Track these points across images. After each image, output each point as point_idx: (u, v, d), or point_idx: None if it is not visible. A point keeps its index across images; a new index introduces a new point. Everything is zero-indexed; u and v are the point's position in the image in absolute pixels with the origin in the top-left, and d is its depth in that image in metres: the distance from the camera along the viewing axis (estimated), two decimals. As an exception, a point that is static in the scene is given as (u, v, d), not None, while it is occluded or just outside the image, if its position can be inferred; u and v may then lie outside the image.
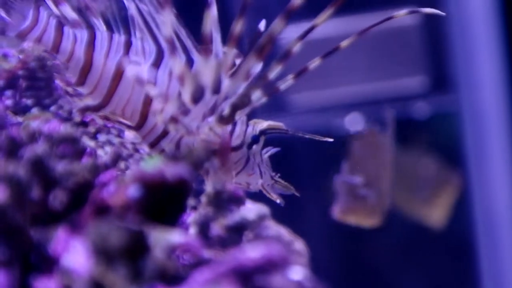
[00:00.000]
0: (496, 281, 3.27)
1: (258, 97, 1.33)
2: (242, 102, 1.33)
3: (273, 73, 1.31)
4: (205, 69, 1.30)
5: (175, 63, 1.30)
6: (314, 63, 1.31)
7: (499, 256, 3.26)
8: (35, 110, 1.47)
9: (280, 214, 1.40)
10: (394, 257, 3.48)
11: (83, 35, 1.39)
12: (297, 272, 0.87)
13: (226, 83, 1.32)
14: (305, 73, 1.32)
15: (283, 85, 1.33)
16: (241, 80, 1.32)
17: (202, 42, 1.29)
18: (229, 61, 1.30)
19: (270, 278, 0.86)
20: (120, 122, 1.38)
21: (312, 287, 0.87)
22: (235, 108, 1.34)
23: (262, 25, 1.38)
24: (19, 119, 1.42)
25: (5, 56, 1.50)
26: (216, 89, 1.32)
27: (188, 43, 1.36)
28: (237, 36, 1.28)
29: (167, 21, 1.27)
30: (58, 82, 1.41)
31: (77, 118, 1.40)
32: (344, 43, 1.31)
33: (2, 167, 0.93)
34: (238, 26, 1.27)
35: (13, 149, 0.99)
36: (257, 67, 1.31)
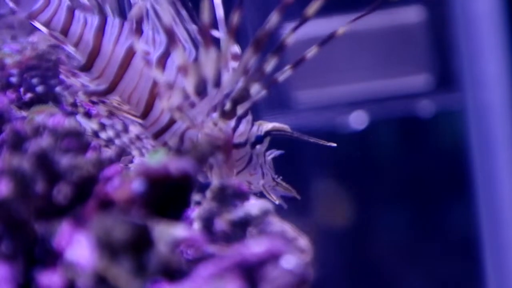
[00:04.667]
0: (501, 278, 3.27)
1: (257, 90, 1.33)
2: (241, 96, 1.34)
3: (269, 66, 1.32)
4: (206, 61, 1.31)
5: (178, 54, 1.31)
6: (311, 52, 1.32)
7: (504, 254, 3.26)
8: (39, 88, 1.47)
9: (284, 209, 1.40)
10: (399, 255, 3.48)
11: (93, 19, 1.40)
12: (289, 261, 0.87)
13: (226, 76, 1.33)
14: (302, 62, 1.32)
15: (281, 76, 1.33)
16: (240, 75, 1.32)
17: (201, 33, 1.30)
18: (228, 54, 1.31)
19: (264, 269, 0.86)
20: (126, 116, 1.38)
21: (303, 273, 0.87)
22: (235, 102, 1.34)
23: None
24: (24, 113, 1.42)
25: (12, 50, 1.51)
26: (217, 82, 1.33)
27: (195, 36, 1.37)
28: (235, 29, 1.29)
29: (165, 12, 1.28)
30: (63, 76, 1.41)
31: (81, 109, 1.41)
32: (340, 30, 1.31)
33: (6, 161, 0.93)
34: (235, 19, 1.28)
35: (18, 142, 1.00)
36: (253, 61, 1.31)
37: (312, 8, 1.27)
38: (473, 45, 3.17)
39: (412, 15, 3.31)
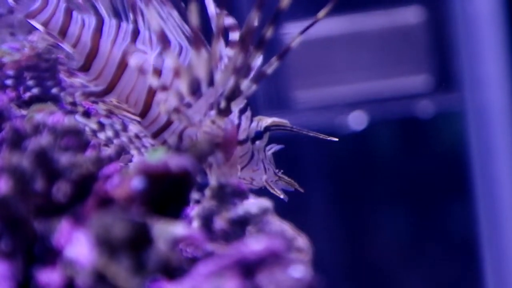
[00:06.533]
0: (500, 278, 3.27)
1: (247, 85, 1.34)
2: (233, 93, 1.34)
3: (253, 61, 1.32)
4: (198, 63, 1.31)
5: (170, 57, 1.31)
6: (296, 41, 1.32)
7: (503, 255, 3.26)
8: (35, 91, 1.47)
9: (284, 209, 1.40)
10: (398, 254, 3.48)
11: (91, 21, 1.40)
12: (298, 270, 0.87)
13: (217, 75, 1.33)
14: (288, 52, 1.33)
15: (269, 69, 1.34)
16: (230, 73, 1.33)
17: (192, 35, 1.31)
18: (217, 54, 1.32)
19: (271, 275, 0.86)
20: (125, 115, 1.39)
21: (312, 283, 0.87)
22: (228, 99, 1.35)
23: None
24: (23, 111, 1.43)
25: (11, 49, 1.51)
26: (211, 82, 1.33)
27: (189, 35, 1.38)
28: (221, 29, 1.30)
29: (152, 15, 1.29)
30: (62, 75, 1.41)
31: (80, 108, 1.41)
32: (321, 14, 1.31)
33: (6, 158, 0.93)
34: (220, 21, 1.30)
35: (17, 140, 1.00)
36: (241, 58, 1.32)
37: (285, 1, 1.27)
38: (472, 45, 3.18)
39: (411, 15, 3.32)
